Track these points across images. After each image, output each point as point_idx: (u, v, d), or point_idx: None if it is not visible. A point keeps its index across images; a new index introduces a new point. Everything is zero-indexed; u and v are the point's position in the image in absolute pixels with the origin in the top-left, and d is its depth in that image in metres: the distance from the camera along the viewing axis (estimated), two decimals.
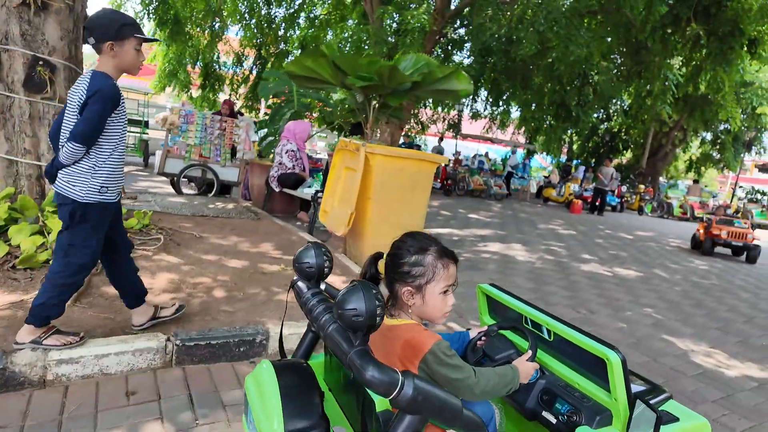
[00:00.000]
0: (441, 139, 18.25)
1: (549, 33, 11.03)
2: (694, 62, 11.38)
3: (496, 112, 20.15)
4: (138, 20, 15.29)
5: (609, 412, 1.24)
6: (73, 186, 1.90)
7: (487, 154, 19.13)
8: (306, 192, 5.42)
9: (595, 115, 23.30)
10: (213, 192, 6.93)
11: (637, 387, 1.31)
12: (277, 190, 5.87)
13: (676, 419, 1.26)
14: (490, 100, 18.24)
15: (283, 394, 1.05)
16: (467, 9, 14.33)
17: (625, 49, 13.97)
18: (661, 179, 25.57)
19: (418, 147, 16.72)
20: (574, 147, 25.94)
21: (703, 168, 24.59)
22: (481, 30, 12.49)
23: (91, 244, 1.97)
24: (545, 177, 18.27)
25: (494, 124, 24.32)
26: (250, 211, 5.90)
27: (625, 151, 25.65)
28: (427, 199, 3.93)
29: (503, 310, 1.59)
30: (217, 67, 20.69)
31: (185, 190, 7.17)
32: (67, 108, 1.92)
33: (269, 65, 20.56)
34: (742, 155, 21.39)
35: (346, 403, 1.20)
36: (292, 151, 5.65)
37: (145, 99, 14.73)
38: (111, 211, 2.03)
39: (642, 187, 17.33)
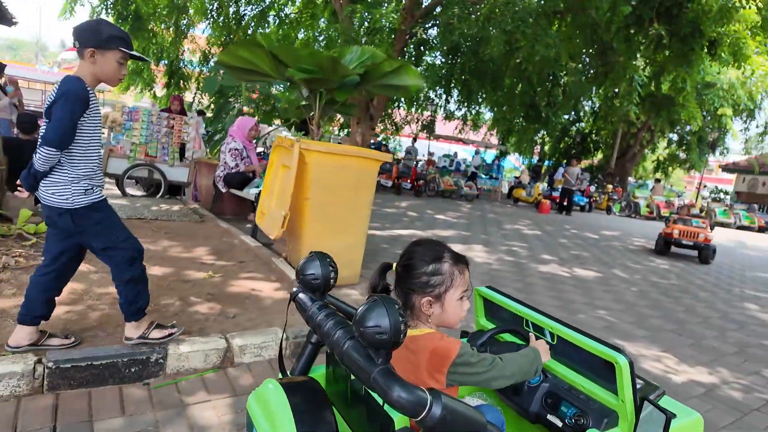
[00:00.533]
0: (414, 139, 18.12)
1: (516, 32, 10.98)
2: (657, 63, 11.49)
3: (468, 113, 20.15)
4: (95, 14, 14.62)
5: (615, 413, 1.25)
6: (60, 196, 1.89)
7: (456, 155, 19.10)
8: (251, 192, 5.12)
9: (566, 117, 23.64)
10: (161, 193, 6.56)
11: None
12: (223, 190, 5.56)
13: (674, 416, 1.24)
14: (461, 100, 18.20)
15: (296, 414, 1.00)
16: (438, 9, 14.23)
17: (592, 51, 14.07)
18: (631, 179, 26.03)
19: (387, 147, 16.51)
20: (546, 148, 26.26)
21: (670, 168, 25.12)
22: (448, 29, 12.37)
23: (124, 236, 2.04)
24: (516, 177, 18.30)
25: (467, 125, 24.40)
26: (195, 214, 5.57)
27: (595, 152, 26.07)
28: (370, 199, 3.69)
29: (501, 313, 1.58)
30: (183, 65, 20.09)
31: (132, 192, 6.77)
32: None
33: None
34: (706, 156, 21.93)
35: (353, 417, 1.14)
36: (236, 149, 5.34)
37: (102, 97, 14.11)
38: (107, 203, 2.04)
39: (610, 186, 17.52)
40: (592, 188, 17.06)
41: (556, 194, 15.04)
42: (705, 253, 7.55)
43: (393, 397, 0.79)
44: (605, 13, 11.59)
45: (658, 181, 20.14)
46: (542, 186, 15.78)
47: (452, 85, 18.23)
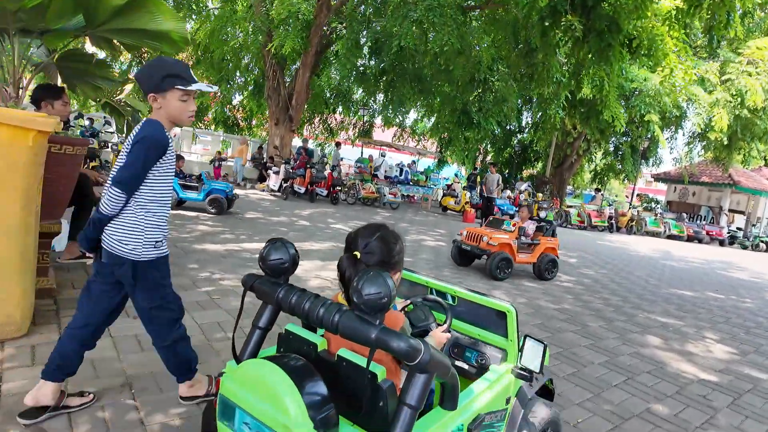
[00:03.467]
0: (338, 144, 16.84)
1: (425, 22, 9.94)
2: (577, 61, 10.75)
3: (400, 117, 19.17)
4: None
5: (505, 351, 1.71)
6: (126, 244, 1.76)
7: (371, 157, 18.13)
8: None
9: (510, 127, 23.18)
10: None
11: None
12: None
13: (547, 345, 1.60)
14: (391, 103, 17.11)
15: (298, 384, 1.07)
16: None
17: (516, 52, 13.33)
18: (570, 188, 25.84)
19: (308, 153, 15.13)
20: (488, 158, 25.89)
21: (605, 178, 25.09)
22: (356, 21, 11.28)
23: (170, 298, 1.91)
24: (448, 186, 17.32)
25: (405, 132, 23.38)
26: None
27: (536, 162, 25.86)
28: (26, 199, 2.22)
29: (404, 285, 1.89)
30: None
31: None
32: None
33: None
34: (640, 166, 21.92)
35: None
36: None
37: None
38: (168, 259, 1.91)
39: (540, 195, 16.85)
40: (522, 197, 16.32)
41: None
42: (489, 262, 5.51)
43: (397, 346, 1.00)
44: (524, 7, 10.79)
45: (598, 190, 19.78)
46: (470, 194, 14.82)
47: (388, 87, 17.16)
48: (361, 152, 21.75)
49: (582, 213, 15.74)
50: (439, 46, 10.00)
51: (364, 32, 13.71)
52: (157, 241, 1.81)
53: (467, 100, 14.81)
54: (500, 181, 12.54)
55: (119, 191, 1.70)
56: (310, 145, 23.78)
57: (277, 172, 12.94)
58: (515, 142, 25.36)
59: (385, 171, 15.89)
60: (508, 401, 1.57)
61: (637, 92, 15.40)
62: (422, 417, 1.20)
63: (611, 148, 22.80)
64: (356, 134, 22.03)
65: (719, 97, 14.28)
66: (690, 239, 16.67)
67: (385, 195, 14.14)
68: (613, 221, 16.13)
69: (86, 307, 1.86)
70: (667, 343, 3.90)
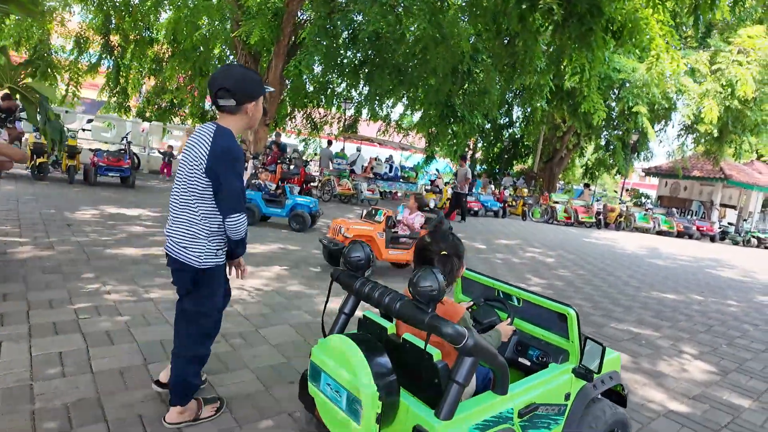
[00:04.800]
0: (330, 142, 16.19)
1: (396, 5, 9.34)
2: (556, 45, 10.15)
3: (379, 111, 18.53)
4: None
5: (567, 351, 1.78)
6: (191, 252, 1.80)
7: (341, 151, 17.53)
8: None
9: (500, 121, 22.56)
10: None
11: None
12: None
13: (605, 346, 1.67)
14: (367, 94, 16.47)
15: (367, 356, 1.33)
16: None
17: (498, 42, 12.73)
18: (561, 183, 25.29)
19: (283, 147, 14.52)
20: (478, 153, 25.34)
21: (597, 173, 24.56)
22: (322, 3, 10.66)
23: (216, 307, 1.93)
24: (431, 181, 16.73)
25: (390, 127, 22.72)
26: None
27: (526, 157, 25.34)
28: None
29: (475, 287, 2.09)
30: (53, 52, 17.41)
31: None
32: (183, 160, 1.80)
33: (128, 53, 17.57)
34: (631, 160, 21.38)
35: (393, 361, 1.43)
36: None
37: None
38: (222, 271, 1.95)
39: (525, 190, 16.28)
40: (507, 192, 15.75)
41: (470, 199, 13.58)
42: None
43: (444, 331, 1.22)
44: None
45: (587, 186, 19.26)
46: (451, 190, 14.24)
47: (361, 78, 16.52)
48: (343, 147, 21.16)
49: (569, 209, 15.18)
50: (413, 33, 9.39)
51: (338, 20, 13.10)
52: (218, 250, 1.84)
53: (450, 92, 14.21)
54: (469, 175, 11.98)
55: (236, 215, 1.76)
56: (293, 140, 22.99)
57: (244, 168, 12.36)
58: (506, 136, 24.82)
59: (363, 166, 15.24)
60: (567, 397, 1.66)
61: (626, 84, 14.86)
62: (475, 397, 1.43)
63: (602, 143, 22.26)
64: (340, 129, 21.38)
65: (709, 88, 13.74)
66: (680, 235, 16.17)
67: (362, 191, 13.56)
68: (601, 217, 15.61)
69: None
70: (636, 362, 3.34)
